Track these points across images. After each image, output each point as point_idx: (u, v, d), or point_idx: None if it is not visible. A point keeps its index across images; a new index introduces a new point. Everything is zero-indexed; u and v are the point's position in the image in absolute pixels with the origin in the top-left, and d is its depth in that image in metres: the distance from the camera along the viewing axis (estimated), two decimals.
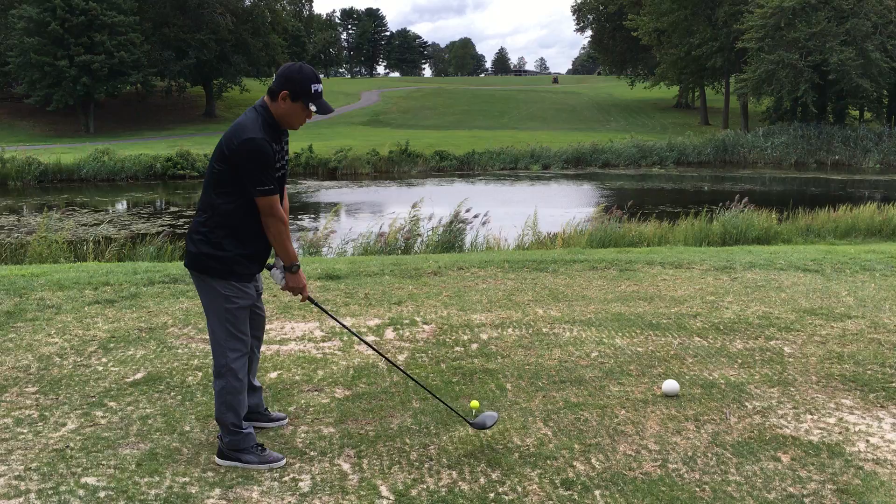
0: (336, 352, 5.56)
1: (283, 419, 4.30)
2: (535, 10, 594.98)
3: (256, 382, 4.19)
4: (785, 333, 6.03)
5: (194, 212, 4.05)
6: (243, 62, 60.42)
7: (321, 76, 3.86)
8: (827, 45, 41.27)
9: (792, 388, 4.81)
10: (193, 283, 3.82)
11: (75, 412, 4.37)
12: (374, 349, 4.47)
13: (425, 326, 6.24)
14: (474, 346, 5.71)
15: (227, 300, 3.70)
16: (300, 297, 3.97)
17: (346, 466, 3.75)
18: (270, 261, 3.96)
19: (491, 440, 4.03)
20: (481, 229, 13.40)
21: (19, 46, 48.87)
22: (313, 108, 3.68)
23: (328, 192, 29.75)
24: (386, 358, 4.48)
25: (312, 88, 3.64)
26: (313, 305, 4.24)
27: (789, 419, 4.33)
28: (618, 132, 52.46)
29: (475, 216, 13.45)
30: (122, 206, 25.67)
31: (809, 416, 4.37)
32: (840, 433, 4.14)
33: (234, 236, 3.68)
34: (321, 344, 5.74)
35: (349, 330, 4.54)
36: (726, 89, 57.51)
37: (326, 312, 4.26)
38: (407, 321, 6.39)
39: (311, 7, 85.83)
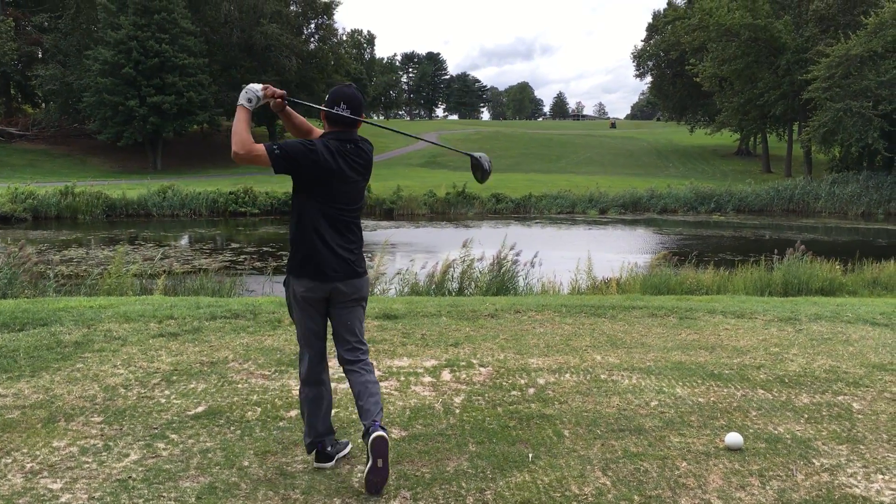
0: (392, 392, 5.57)
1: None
2: (601, 55, 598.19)
3: None
4: (854, 389, 5.84)
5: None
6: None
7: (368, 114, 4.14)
8: None
9: (862, 446, 4.64)
10: (347, 291, 4.11)
11: (138, 443, 4.46)
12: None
13: (482, 369, 6.22)
14: (531, 390, 5.66)
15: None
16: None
17: None
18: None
19: (548, 487, 3.97)
20: (535, 272, 13.27)
21: (93, 86, 50.91)
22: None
23: (385, 232, 30.04)
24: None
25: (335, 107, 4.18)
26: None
27: (859, 478, 4.17)
28: (676, 178, 51.94)
29: (531, 262, 13.22)
30: (184, 241, 26.30)
31: (881, 476, 4.20)
32: None
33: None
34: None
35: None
36: (789, 137, 56.55)
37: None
38: (464, 363, 6.37)
39: (373, 51, 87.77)
